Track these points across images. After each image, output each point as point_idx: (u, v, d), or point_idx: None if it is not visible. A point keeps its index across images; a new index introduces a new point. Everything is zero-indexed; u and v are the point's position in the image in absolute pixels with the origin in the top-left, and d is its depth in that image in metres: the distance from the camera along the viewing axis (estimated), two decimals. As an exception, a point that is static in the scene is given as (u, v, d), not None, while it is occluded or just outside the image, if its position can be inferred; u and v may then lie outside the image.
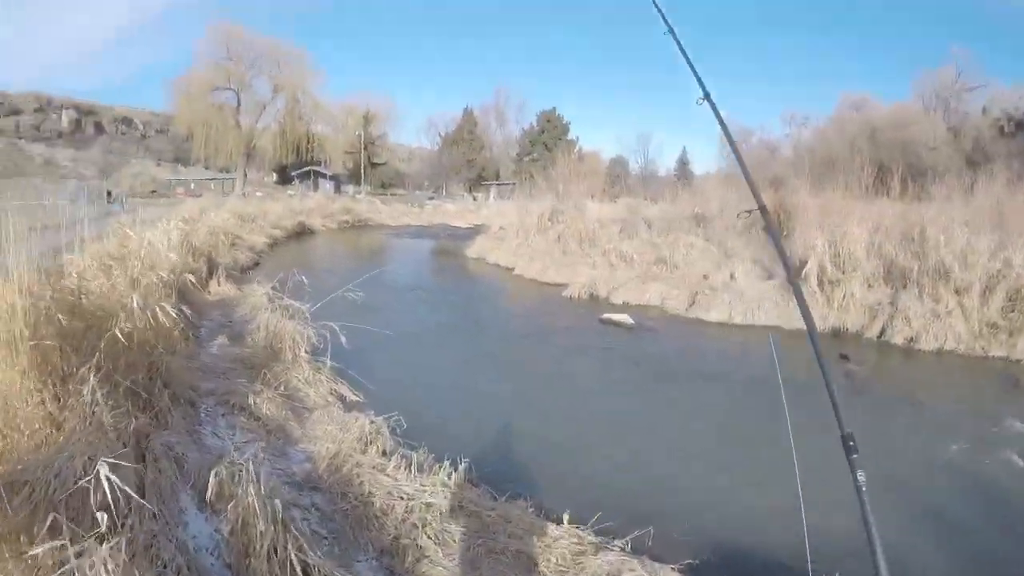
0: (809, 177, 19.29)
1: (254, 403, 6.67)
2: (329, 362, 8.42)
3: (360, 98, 69.44)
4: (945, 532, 5.86)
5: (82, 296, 5.68)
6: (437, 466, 5.63)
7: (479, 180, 61.44)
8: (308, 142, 62.45)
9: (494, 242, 24.20)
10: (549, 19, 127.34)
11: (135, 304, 5.77)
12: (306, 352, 8.61)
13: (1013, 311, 12.55)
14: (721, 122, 3.01)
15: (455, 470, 5.48)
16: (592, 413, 8.87)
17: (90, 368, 4.52)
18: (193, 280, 11.26)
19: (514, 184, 39.63)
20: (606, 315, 14.57)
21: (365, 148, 64.06)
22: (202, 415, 6.30)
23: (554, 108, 60.92)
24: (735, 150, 3.78)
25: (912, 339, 12.84)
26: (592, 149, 63.28)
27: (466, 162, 61.63)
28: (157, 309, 6.01)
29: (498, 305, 16.50)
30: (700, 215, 20.36)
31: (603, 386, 10.21)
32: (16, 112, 69.91)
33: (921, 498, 6.39)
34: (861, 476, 1.89)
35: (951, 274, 13.22)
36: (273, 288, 11.04)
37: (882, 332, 13.41)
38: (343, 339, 8.34)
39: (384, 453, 5.99)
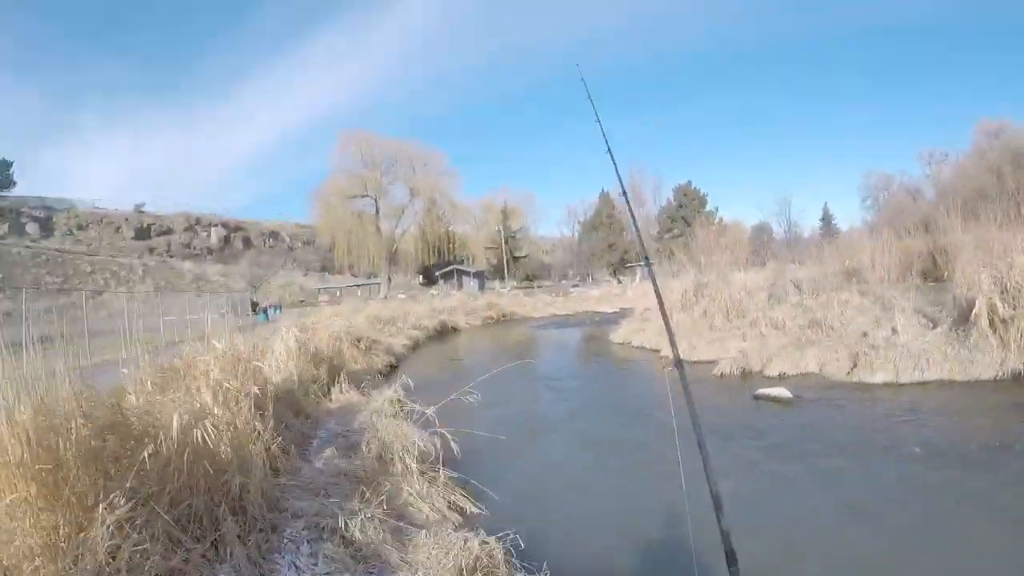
0: (959, 213, 18.02)
1: (348, 525, 5.95)
2: (444, 471, 8.07)
3: (498, 194, 71.98)
4: None
5: (124, 411, 5.35)
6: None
7: (622, 263, 61.31)
8: (449, 242, 65.01)
9: (639, 324, 23.88)
10: (681, 96, 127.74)
11: (175, 421, 5.42)
12: (422, 461, 8.18)
13: None
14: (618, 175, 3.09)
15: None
16: (751, 509, 8.01)
17: (116, 496, 4.15)
18: (315, 388, 11.52)
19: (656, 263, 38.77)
20: (761, 390, 13.85)
21: (506, 242, 65.73)
22: (284, 542, 5.71)
23: (689, 181, 60.53)
24: (626, 199, 3.81)
25: None
26: (733, 219, 62.17)
27: (607, 246, 61.74)
28: (237, 422, 5.83)
29: (641, 392, 15.96)
30: (851, 269, 19.32)
31: (760, 477, 9.39)
32: (167, 232, 77.03)
33: None
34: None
35: None
36: (402, 391, 11.02)
37: None
38: (454, 445, 8.17)
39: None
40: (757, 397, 13.68)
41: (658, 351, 20.34)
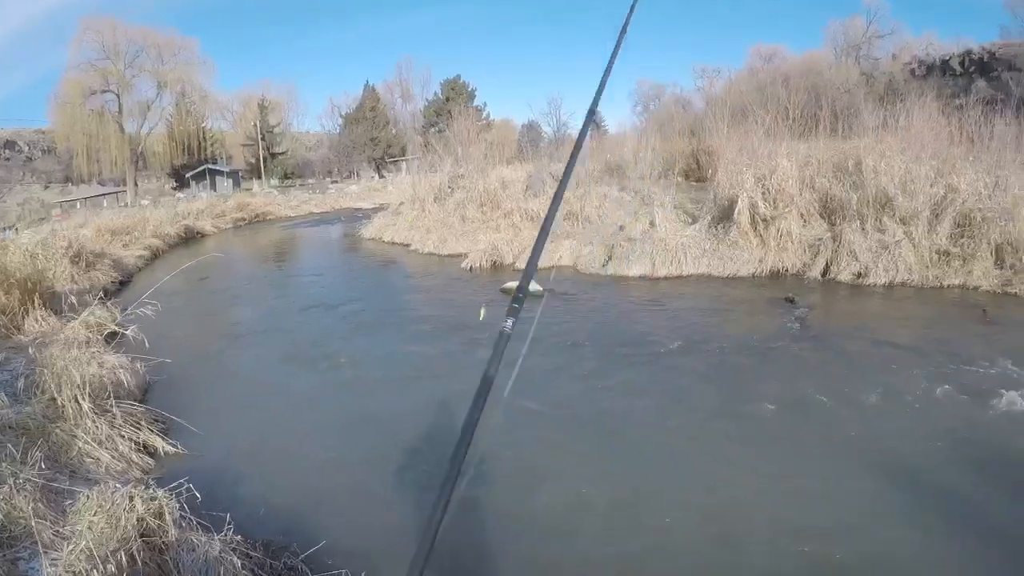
0: (727, 121, 17.65)
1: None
2: (139, 407, 6.47)
3: (257, 88, 65.67)
4: (918, 477, 5.17)
5: None
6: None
7: (385, 158, 58.37)
8: (201, 139, 58.32)
9: (391, 219, 21.65)
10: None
11: None
12: (109, 397, 6.36)
13: (963, 237, 11.46)
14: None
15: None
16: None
17: None
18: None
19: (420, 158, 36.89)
20: (509, 283, 12.30)
21: (263, 138, 60.29)
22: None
23: (458, 75, 58.29)
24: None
25: (860, 274, 11.71)
26: (504, 118, 61.13)
27: (370, 140, 58.35)
28: None
29: (380, 290, 13.88)
30: (613, 165, 18.31)
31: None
32: None
33: (904, 447, 5.62)
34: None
35: (894, 203, 12.04)
36: (109, 314, 9.21)
37: (826, 269, 12.17)
38: (146, 375, 7.08)
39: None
40: (504, 290, 12.16)
41: (408, 245, 18.35)
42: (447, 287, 13.33)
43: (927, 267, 11.39)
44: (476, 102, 56.41)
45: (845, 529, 4.50)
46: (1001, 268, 11.00)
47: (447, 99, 54.61)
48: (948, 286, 11.04)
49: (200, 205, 36.27)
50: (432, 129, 45.92)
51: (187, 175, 55.55)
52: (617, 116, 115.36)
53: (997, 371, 7.10)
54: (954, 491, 4.95)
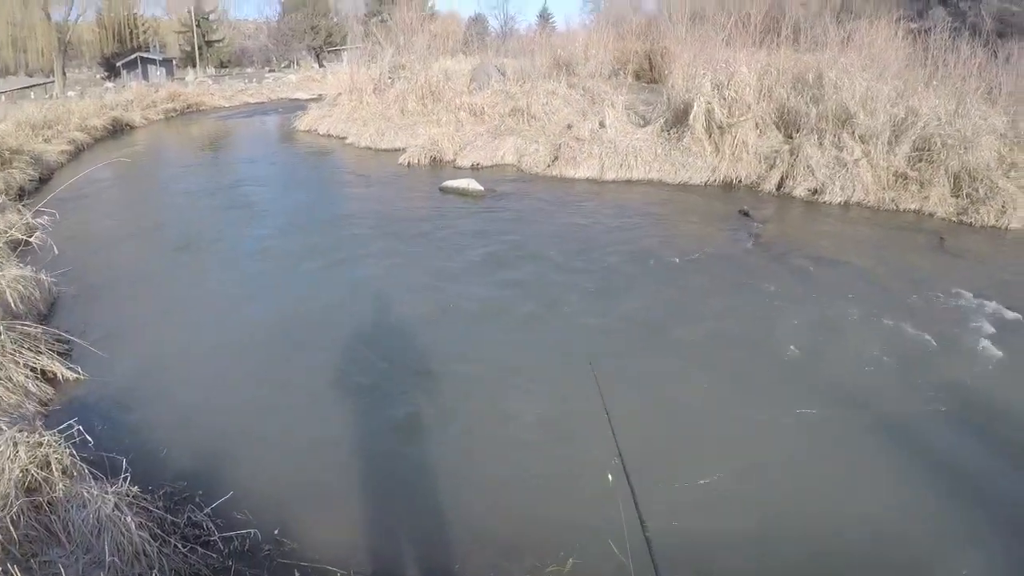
0: (685, 23, 16.85)
1: None
2: (38, 328, 5.65)
3: (194, -28, 61.61)
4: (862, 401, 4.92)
5: None
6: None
7: (325, 48, 55.58)
8: (132, 27, 54.66)
9: (328, 110, 20.40)
10: None
11: None
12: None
13: (921, 161, 11.12)
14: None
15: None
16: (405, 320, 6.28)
17: None
18: None
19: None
20: (448, 182, 11.61)
21: (198, 25, 56.83)
22: None
23: (403, -39, 55.45)
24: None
25: (816, 190, 11.26)
26: (451, 10, 58.88)
27: (310, 28, 55.39)
28: None
29: (309, 188, 12.81)
30: (562, 61, 17.39)
31: (428, 281, 7.34)
32: None
33: (851, 371, 5.39)
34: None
35: (854, 120, 11.57)
36: (31, 215, 8.05)
37: (781, 183, 11.66)
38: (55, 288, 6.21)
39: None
40: (443, 189, 11.50)
41: (344, 138, 17.30)
42: (383, 184, 12.52)
43: (884, 189, 11.06)
44: (421, -8, 53.90)
45: (780, 461, 4.21)
46: (957, 197, 10.70)
47: (393, -14, 51.86)
48: (904, 210, 10.75)
49: (129, 95, 33.99)
50: (375, 18, 43.45)
51: (118, 64, 52.12)
52: (565, 12, 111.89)
53: (955, 302, 6.85)
54: (900, 419, 4.71)
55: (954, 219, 10.32)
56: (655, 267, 7.81)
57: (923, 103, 11.56)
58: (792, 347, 5.70)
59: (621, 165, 12.27)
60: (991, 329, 6.15)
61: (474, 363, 5.38)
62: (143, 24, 56.70)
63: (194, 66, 55.40)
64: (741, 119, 12.24)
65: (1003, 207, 10.18)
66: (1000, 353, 5.71)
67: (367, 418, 4.60)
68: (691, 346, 5.81)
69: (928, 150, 11.13)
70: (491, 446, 4.33)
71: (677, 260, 8.04)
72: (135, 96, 33.78)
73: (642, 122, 13.69)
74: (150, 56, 53.31)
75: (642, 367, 5.39)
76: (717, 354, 5.66)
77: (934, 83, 12.24)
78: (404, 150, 14.24)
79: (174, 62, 55.90)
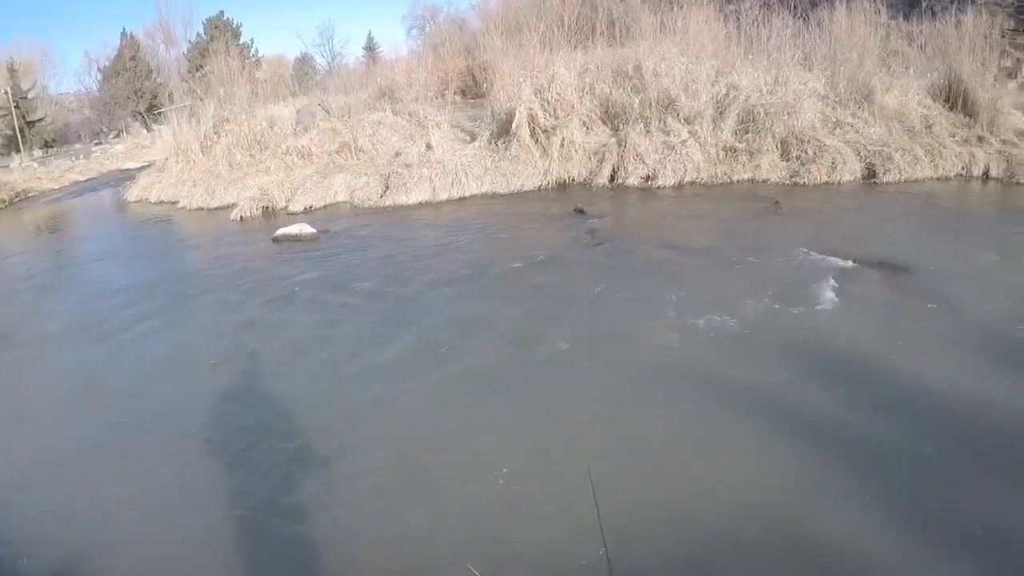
0: (502, 34, 17.15)
1: None
2: None
3: (6, 50, 58.26)
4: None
5: None
6: None
7: (151, 110, 53.54)
8: (-61, 112, 51.16)
9: (157, 175, 19.60)
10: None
11: None
12: None
13: (748, 132, 11.86)
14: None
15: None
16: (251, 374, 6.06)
17: None
18: None
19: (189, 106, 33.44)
20: (281, 230, 11.33)
21: (17, 107, 53.69)
22: None
23: (221, 12, 54.13)
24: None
25: (649, 177, 11.75)
26: (278, 54, 57.98)
27: (133, 92, 53.29)
28: None
29: (141, 258, 12.13)
30: (386, 90, 17.38)
31: (259, 333, 7.11)
32: None
33: (703, 347, 5.55)
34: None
35: (677, 104, 12.16)
36: None
37: (614, 175, 12.10)
38: None
39: None
40: (276, 239, 11.21)
41: (175, 203, 16.61)
42: (214, 243, 12.07)
43: (715, 164, 11.62)
44: (243, 39, 52.62)
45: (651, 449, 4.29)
46: (788, 160, 11.49)
47: (211, 39, 50.54)
48: (737, 181, 11.30)
49: None
50: (198, 73, 42.28)
51: None
52: (393, 40, 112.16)
53: (793, 259, 7.33)
54: (753, 386, 4.89)
55: (787, 182, 11.09)
56: (497, 274, 7.94)
57: (743, 77, 12.24)
58: (637, 335, 5.87)
59: (453, 184, 12.34)
60: (832, 282, 6.57)
61: (326, 413, 5.21)
62: (-47, 109, 53.20)
63: (18, 150, 52.25)
64: (565, 119, 12.53)
65: (833, 163, 11.05)
66: (840, 301, 6.17)
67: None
68: (540, 344, 5.86)
69: (753, 121, 11.83)
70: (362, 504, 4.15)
71: (519, 265, 8.18)
72: (-44, 189, 31.68)
73: (469, 138, 13.86)
74: (-36, 145, 50.01)
75: (497, 367, 5.52)
76: (570, 352, 5.70)
77: (750, 57, 12.92)
78: (235, 204, 13.80)
79: (-8, 150, 52.61)
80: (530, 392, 5.11)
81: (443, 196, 12.24)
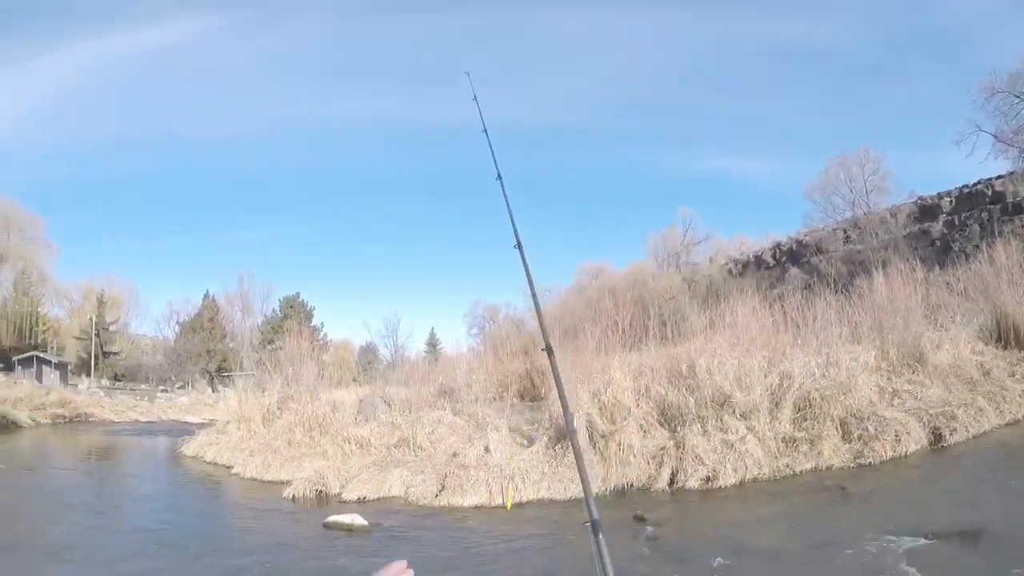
0: (559, 338, 18.20)
1: None
2: None
3: (99, 281, 62.98)
4: None
5: None
6: None
7: (220, 371, 55.98)
8: (34, 323, 54.31)
9: (216, 436, 20.41)
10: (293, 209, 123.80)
11: None
12: None
13: (806, 420, 11.62)
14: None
15: None
16: None
17: None
18: None
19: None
20: (332, 517, 11.50)
21: (98, 335, 56.87)
22: None
23: (297, 293, 58.54)
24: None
25: (709, 478, 11.33)
26: (344, 339, 61.16)
27: (205, 351, 56.18)
28: None
29: (188, 521, 12.48)
30: (447, 388, 18.27)
31: None
32: None
33: None
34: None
35: (732, 399, 12.09)
36: None
37: (673, 478, 11.78)
38: None
39: None
40: (327, 525, 11.33)
41: (230, 468, 17.13)
42: (265, 517, 12.36)
43: (776, 457, 11.37)
44: (314, 322, 56.23)
45: None
46: (849, 441, 11.17)
47: (285, 316, 54.21)
48: (800, 472, 10.98)
49: (20, 393, 33.59)
50: (269, 346, 44.92)
51: (14, 359, 50.91)
52: (454, 335, 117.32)
53: (862, 547, 7.11)
54: None
55: (852, 464, 10.69)
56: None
57: (794, 364, 12.17)
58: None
59: (509, 488, 12.49)
60: (903, 566, 6.40)
61: None
62: (45, 324, 56.37)
63: (89, 375, 54.50)
64: (622, 424, 12.77)
65: (896, 436, 10.67)
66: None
67: None
68: None
69: (810, 407, 11.62)
70: None
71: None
72: (25, 395, 33.17)
73: (527, 442, 14.11)
74: (46, 357, 52.48)
75: None
76: None
77: (799, 341, 13.09)
78: (290, 482, 14.18)
79: (69, 367, 55.08)
80: None
81: (498, 500, 12.22)
